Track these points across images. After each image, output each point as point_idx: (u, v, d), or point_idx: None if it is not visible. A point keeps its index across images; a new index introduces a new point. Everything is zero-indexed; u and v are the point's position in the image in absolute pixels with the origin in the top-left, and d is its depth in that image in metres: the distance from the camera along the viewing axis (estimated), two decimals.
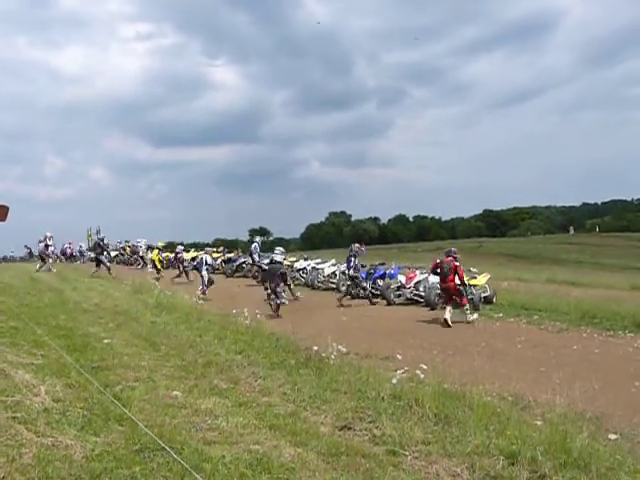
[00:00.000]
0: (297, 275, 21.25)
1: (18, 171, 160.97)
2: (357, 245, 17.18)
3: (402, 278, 16.35)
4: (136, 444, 4.44)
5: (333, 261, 21.22)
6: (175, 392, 6.16)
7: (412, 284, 15.98)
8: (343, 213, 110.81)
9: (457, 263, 12.96)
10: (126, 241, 36.49)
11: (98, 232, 54.65)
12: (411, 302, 15.69)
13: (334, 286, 19.21)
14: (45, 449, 4.17)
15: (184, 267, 23.17)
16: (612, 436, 5.34)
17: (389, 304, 15.61)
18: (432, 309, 14.55)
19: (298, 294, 17.33)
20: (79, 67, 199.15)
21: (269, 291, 14.58)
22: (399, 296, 15.94)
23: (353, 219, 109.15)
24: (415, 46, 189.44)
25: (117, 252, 35.59)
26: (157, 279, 20.70)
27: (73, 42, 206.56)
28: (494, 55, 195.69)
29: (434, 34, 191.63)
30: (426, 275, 16.37)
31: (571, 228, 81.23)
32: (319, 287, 19.60)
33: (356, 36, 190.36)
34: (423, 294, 15.51)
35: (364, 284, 16.49)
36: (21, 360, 7.03)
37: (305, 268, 21.23)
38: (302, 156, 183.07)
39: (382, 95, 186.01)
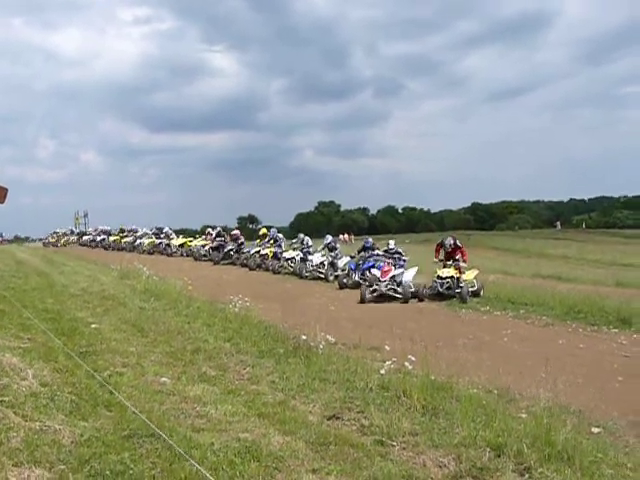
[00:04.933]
0: (285, 264, 21.28)
1: (9, 152, 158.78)
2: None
3: (377, 272, 15.55)
4: (125, 430, 4.45)
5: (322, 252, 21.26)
6: (163, 378, 6.17)
7: (387, 278, 15.33)
8: (332, 203, 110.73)
9: None
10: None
11: (86, 215, 54.30)
12: (384, 298, 14.95)
13: (322, 276, 19.25)
14: (33, 433, 4.16)
15: None
16: (595, 430, 5.41)
17: None
18: (405, 302, 14.51)
19: None
20: (76, 50, 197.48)
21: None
22: (374, 291, 15.06)
23: (342, 209, 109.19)
24: (413, 38, 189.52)
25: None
26: None
27: (70, 25, 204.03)
28: (489, 50, 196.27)
29: (432, 27, 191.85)
30: (402, 270, 15.98)
31: (558, 223, 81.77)
32: (307, 277, 19.60)
33: (354, 26, 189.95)
34: (399, 289, 15.04)
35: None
36: (8, 343, 7.00)
37: (294, 257, 21.25)
38: (296, 145, 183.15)
39: (379, 86, 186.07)
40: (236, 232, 26.44)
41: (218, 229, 27.70)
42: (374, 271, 15.70)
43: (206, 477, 3.61)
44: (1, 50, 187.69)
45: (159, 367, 6.68)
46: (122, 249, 32.77)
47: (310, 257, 20.29)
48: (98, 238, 37.96)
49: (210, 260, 25.51)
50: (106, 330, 8.65)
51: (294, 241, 22.73)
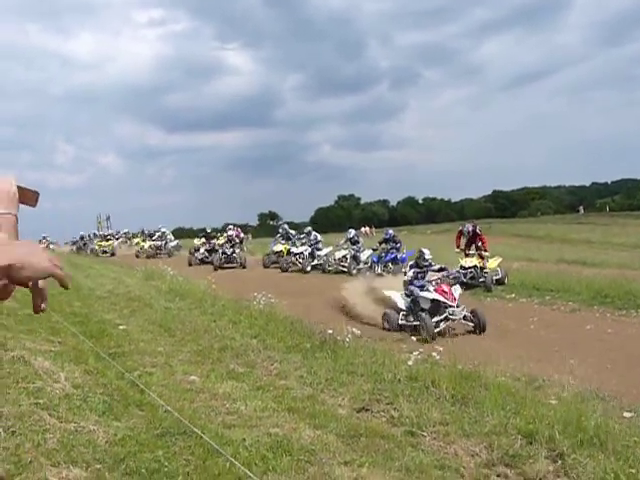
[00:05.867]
0: (294, 259, 21.19)
1: (28, 158, 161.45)
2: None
3: (435, 295, 10.07)
4: (157, 428, 4.51)
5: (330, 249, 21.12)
6: (192, 377, 6.23)
7: (458, 302, 10.18)
8: (352, 196, 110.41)
9: None
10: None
11: (108, 219, 54.79)
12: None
13: (345, 270, 19.25)
14: (69, 434, 4.23)
15: None
16: (627, 414, 5.35)
17: None
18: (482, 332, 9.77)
19: None
20: (91, 54, 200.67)
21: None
22: (445, 319, 9.82)
23: (362, 202, 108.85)
24: (428, 28, 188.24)
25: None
26: None
27: (85, 29, 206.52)
28: (506, 36, 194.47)
29: (447, 15, 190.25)
30: (459, 286, 11.25)
31: (581, 208, 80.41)
32: (330, 271, 19.65)
33: (369, 18, 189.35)
34: (470, 316, 9.98)
35: None
36: (39, 347, 7.11)
37: (302, 253, 21.12)
38: (313, 140, 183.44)
39: (395, 77, 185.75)
40: (231, 233, 24.16)
41: (207, 231, 26.53)
42: (427, 294, 10.15)
43: (240, 473, 3.65)
44: (17, 56, 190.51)
45: (187, 366, 6.75)
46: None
47: (318, 252, 20.28)
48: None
49: (210, 263, 22.94)
50: (134, 331, 8.76)
51: (302, 236, 22.37)
